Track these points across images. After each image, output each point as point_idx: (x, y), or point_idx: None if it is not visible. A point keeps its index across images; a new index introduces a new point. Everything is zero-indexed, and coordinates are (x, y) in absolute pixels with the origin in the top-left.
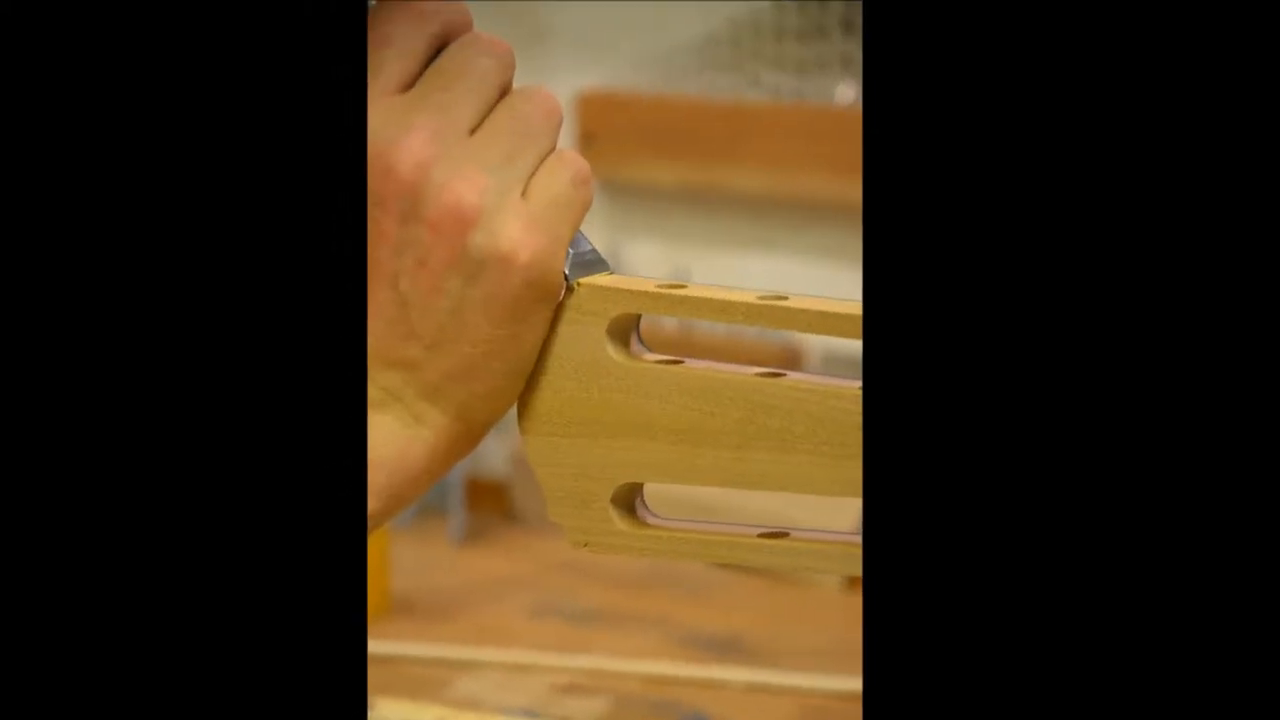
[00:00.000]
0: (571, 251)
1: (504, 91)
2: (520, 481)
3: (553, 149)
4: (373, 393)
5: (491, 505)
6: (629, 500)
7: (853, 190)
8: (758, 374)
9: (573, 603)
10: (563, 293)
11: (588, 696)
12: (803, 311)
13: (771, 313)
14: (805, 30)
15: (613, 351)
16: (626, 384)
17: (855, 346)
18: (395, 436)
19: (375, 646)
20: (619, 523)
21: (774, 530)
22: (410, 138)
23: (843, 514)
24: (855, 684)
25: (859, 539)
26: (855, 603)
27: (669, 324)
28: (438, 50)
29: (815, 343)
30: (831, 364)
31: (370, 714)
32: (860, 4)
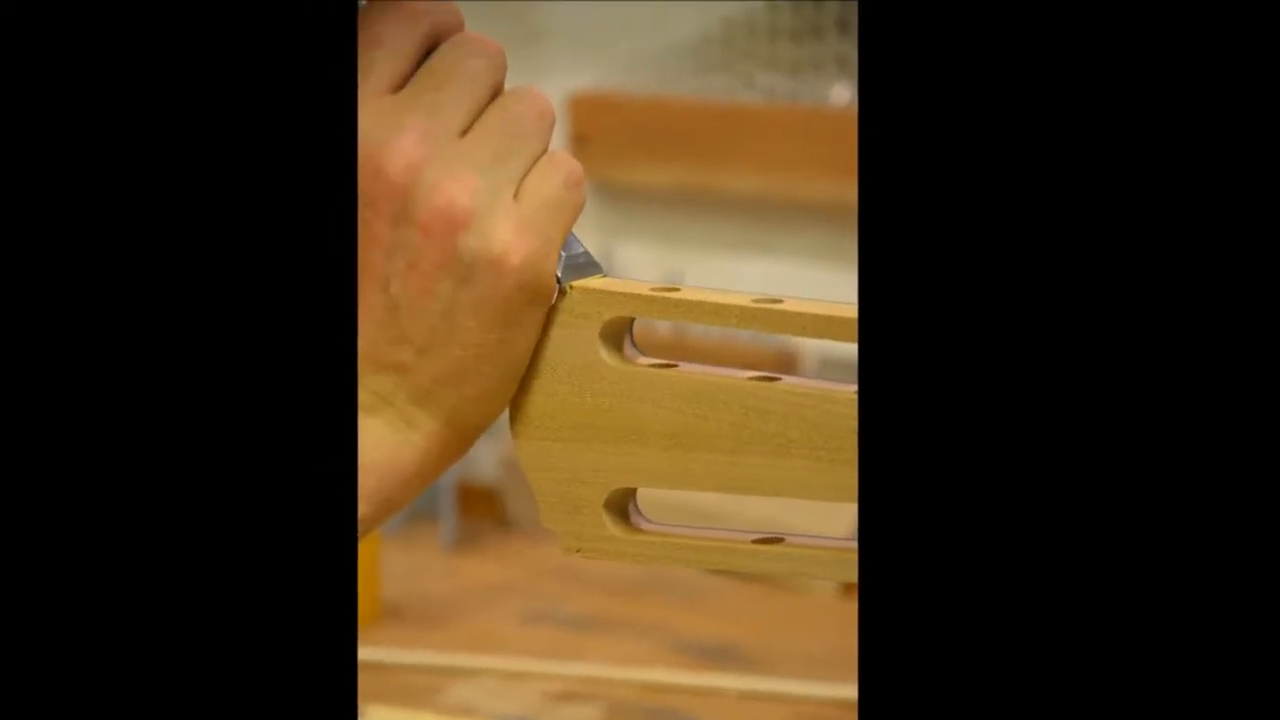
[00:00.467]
0: (564, 254)
1: (496, 92)
2: (512, 486)
3: (545, 150)
4: (363, 396)
5: (483, 510)
6: (622, 505)
7: (848, 192)
8: (752, 378)
9: (565, 609)
10: (555, 296)
11: (581, 704)
12: (798, 315)
13: (766, 316)
14: (800, 30)
15: (605, 355)
16: (619, 388)
17: (851, 350)
18: (386, 441)
19: (365, 654)
20: (612, 528)
21: (768, 536)
22: (401, 139)
23: (838, 519)
24: (850, 691)
25: (854, 544)
26: (850, 609)
27: (662, 327)
28: (429, 51)
29: (810, 346)
30: (827, 368)
31: None
32: (855, 4)
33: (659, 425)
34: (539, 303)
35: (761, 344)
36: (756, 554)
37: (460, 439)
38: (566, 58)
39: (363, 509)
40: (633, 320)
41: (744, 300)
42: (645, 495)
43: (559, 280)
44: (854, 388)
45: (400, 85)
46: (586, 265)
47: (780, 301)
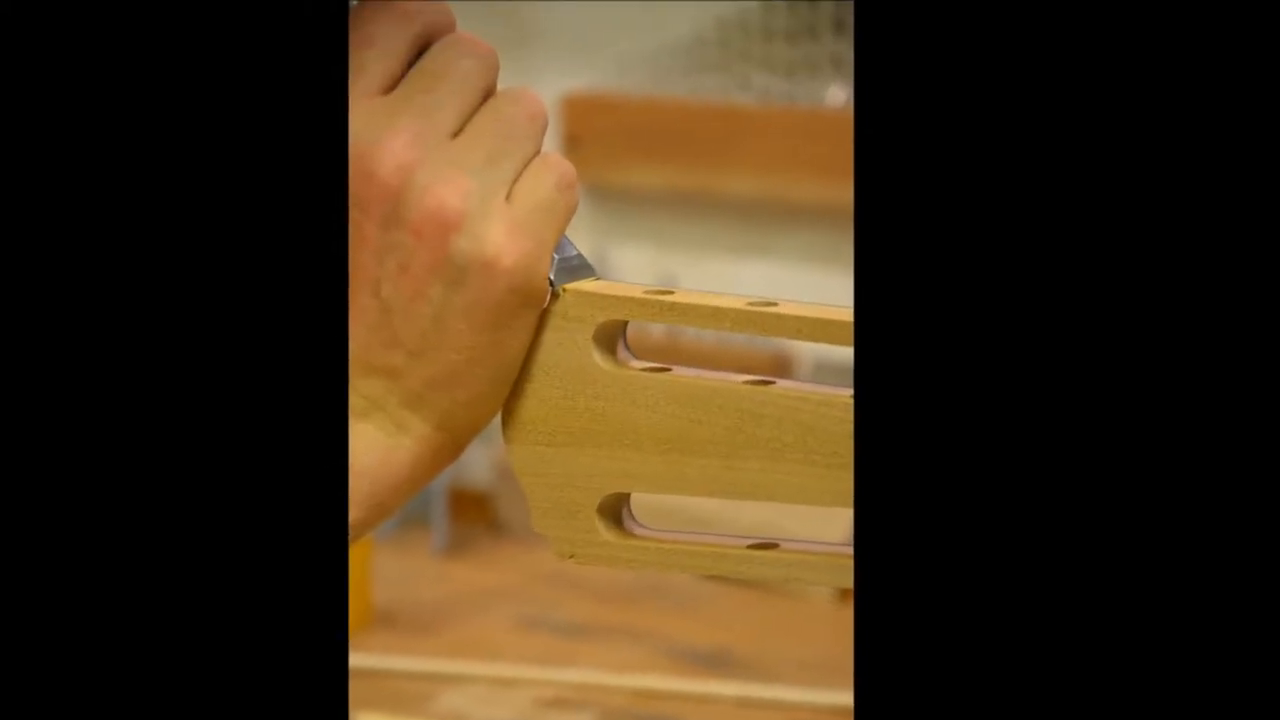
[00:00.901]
0: (556, 257)
1: (488, 93)
2: (505, 491)
3: (537, 152)
4: (354, 400)
5: (475, 516)
6: (615, 511)
7: (844, 194)
8: (747, 382)
9: (558, 615)
10: (547, 299)
11: (574, 711)
12: (793, 318)
13: (761, 319)
14: (795, 31)
15: (599, 359)
16: (613, 392)
17: (847, 354)
18: (377, 445)
19: (357, 660)
20: (605, 534)
21: (763, 541)
22: (392, 140)
23: (834, 525)
24: (846, 698)
25: (850, 550)
26: (846, 615)
27: (656, 331)
28: (420, 51)
29: (806, 350)
30: (822, 371)
31: None
32: (851, 3)
33: (653, 430)
34: (531, 306)
35: (757, 347)
36: (751, 559)
37: (452, 443)
38: (559, 58)
39: (354, 514)
40: (626, 323)
41: (739, 303)
42: (639, 500)
43: (552, 283)
44: (850, 392)
45: (391, 86)
46: (579, 268)
47: (775, 304)
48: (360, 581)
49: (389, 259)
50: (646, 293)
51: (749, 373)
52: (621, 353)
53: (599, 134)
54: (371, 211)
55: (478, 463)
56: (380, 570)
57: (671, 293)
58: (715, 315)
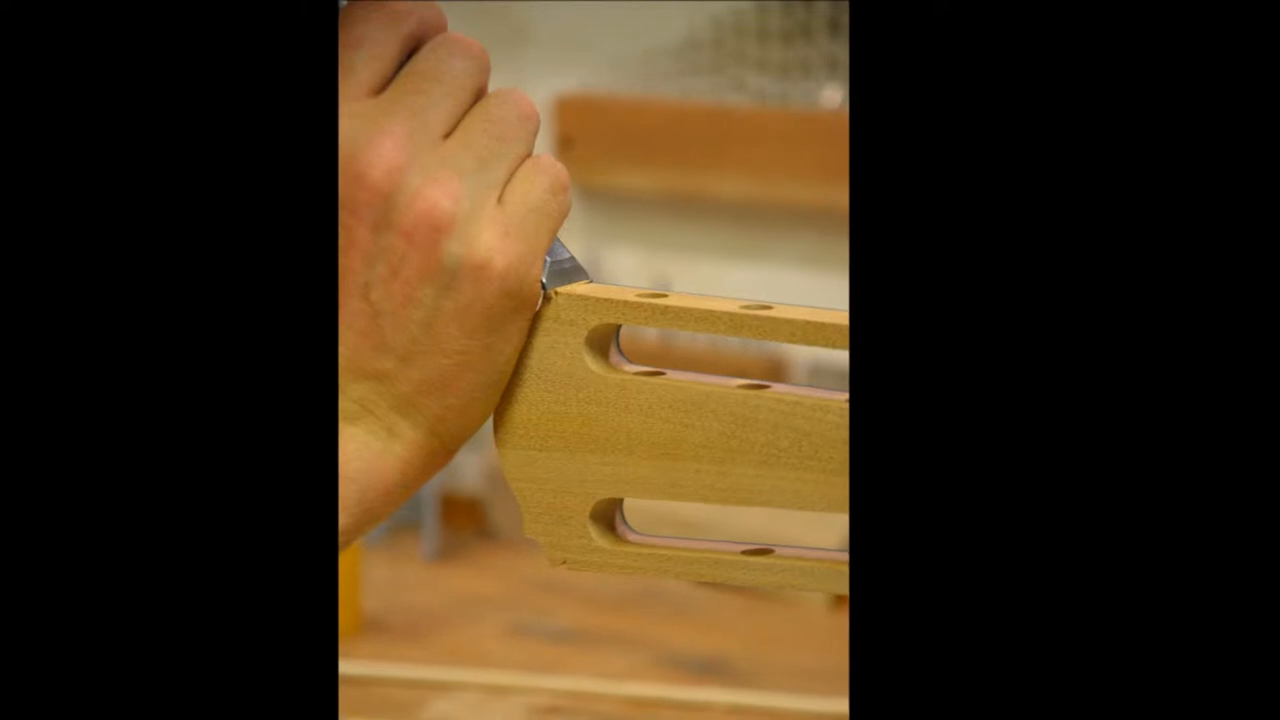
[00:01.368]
0: (548, 260)
1: (479, 94)
2: (496, 497)
3: (529, 154)
4: (344, 405)
5: (466, 521)
6: (608, 516)
7: (839, 196)
8: (741, 386)
9: (550, 622)
10: (539, 302)
11: (565, 719)
12: (787, 321)
13: (755, 323)
14: (790, 32)
15: (591, 363)
16: (605, 396)
17: (842, 357)
18: (367, 450)
19: (346, 667)
20: (598, 540)
21: (758, 547)
22: (382, 142)
23: (829, 530)
24: (841, 706)
25: (845, 556)
26: (841, 622)
27: (649, 334)
28: (411, 52)
29: (801, 354)
30: (817, 375)
31: None
32: (846, 4)
33: (646, 434)
34: (523, 309)
35: (751, 351)
36: (745, 565)
37: (443, 448)
38: (552, 59)
39: (343, 520)
40: (619, 327)
41: (732, 306)
42: (632, 506)
43: (543, 286)
44: (845, 396)
45: (381, 87)
46: (572, 271)
47: (770, 308)
48: (350, 588)
49: (379, 262)
50: (639, 296)
51: (743, 377)
52: (614, 356)
53: (591, 135)
54: (361, 214)
55: (469, 468)
56: (370, 576)
57: (665, 296)
58: (709, 319)
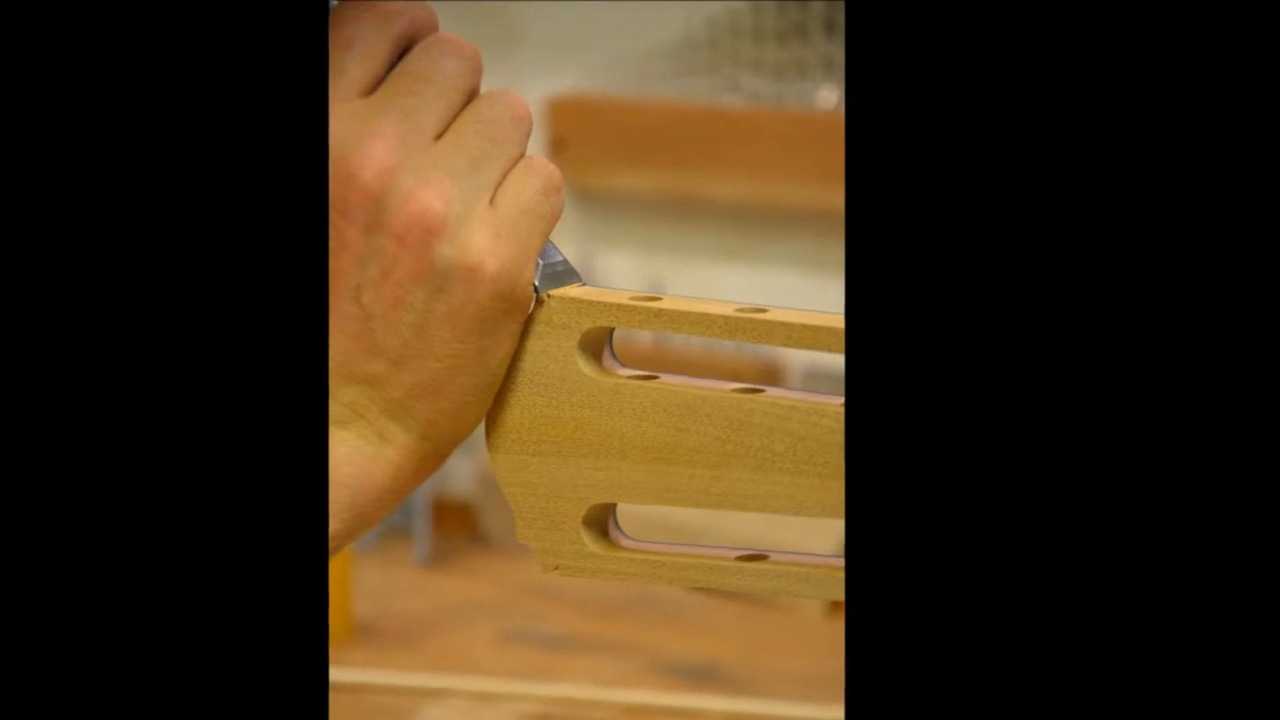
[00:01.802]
0: (541, 262)
1: (471, 95)
2: (488, 502)
3: (522, 155)
4: (335, 409)
5: (458, 526)
6: (601, 522)
7: (835, 198)
8: (736, 390)
9: (543, 628)
10: (532, 305)
11: None
12: (783, 325)
13: (750, 326)
14: (785, 32)
15: (584, 366)
16: (599, 400)
17: (838, 361)
18: (358, 455)
19: (337, 674)
20: (591, 545)
21: (753, 553)
22: (373, 144)
23: (824, 536)
24: (837, 713)
25: (841, 562)
26: (837, 629)
27: (643, 338)
28: (402, 52)
29: (796, 357)
30: (813, 379)
31: None
32: (842, 4)
33: (640, 439)
34: (515, 312)
35: (746, 355)
36: (740, 571)
37: (435, 453)
38: (544, 59)
39: (334, 525)
40: (612, 330)
41: (727, 310)
42: (625, 511)
43: (536, 289)
44: (841, 400)
45: (373, 88)
46: (565, 273)
47: (765, 311)
48: (340, 593)
49: (370, 265)
50: (633, 299)
51: (738, 381)
52: (607, 360)
53: (585, 137)
54: (352, 216)
55: (461, 473)
56: (361, 582)
57: (659, 299)
58: (703, 322)
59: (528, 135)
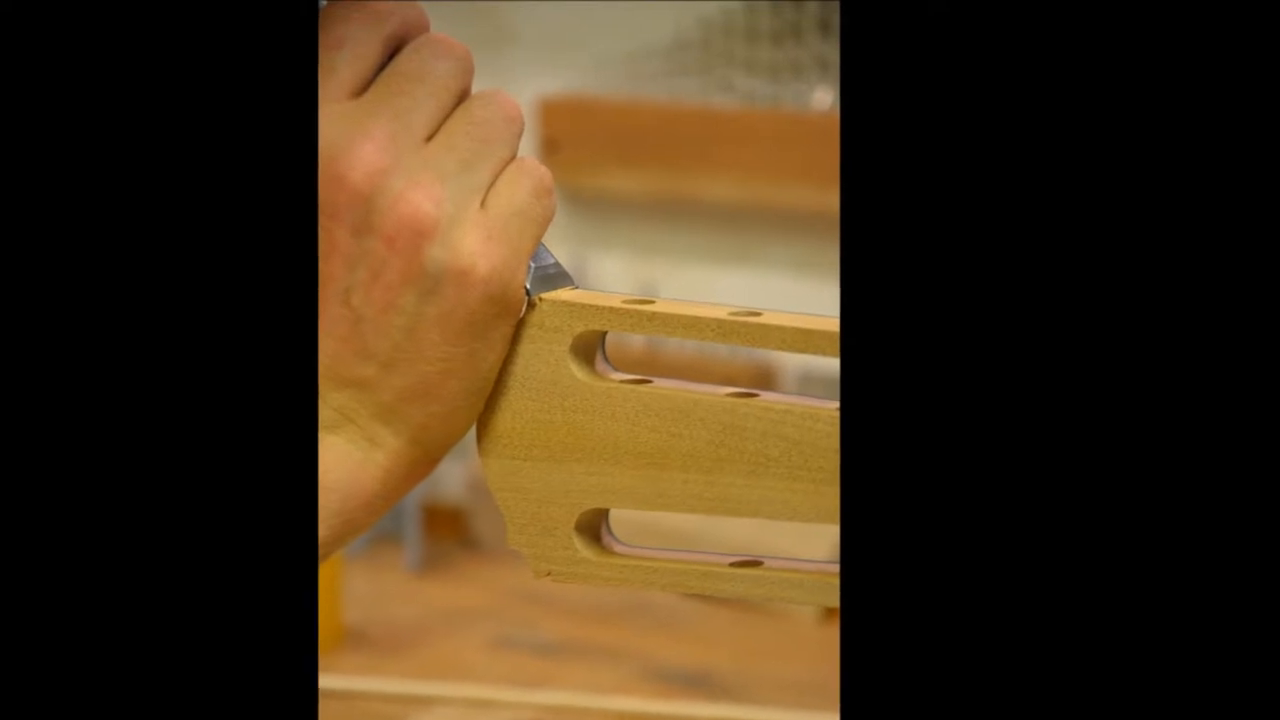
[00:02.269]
0: (533, 265)
1: (462, 96)
2: (479, 507)
3: (513, 157)
4: (324, 413)
5: (449, 532)
6: (594, 527)
7: (830, 200)
8: (729, 394)
9: (535, 635)
10: (524, 308)
11: None
12: (777, 328)
13: (744, 329)
14: (779, 32)
15: (576, 370)
16: (591, 404)
17: (832, 365)
18: (348, 459)
19: (327, 681)
20: (583, 551)
21: (746, 559)
22: (363, 145)
23: (819, 541)
24: None
25: (836, 568)
26: (831, 635)
27: (636, 341)
28: (393, 53)
29: (790, 361)
30: (807, 383)
31: None
32: (837, 4)
33: (632, 444)
34: (507, 315)
35: (739, 359)
36: (734, 577)
37: (426, 457)
38: (536, 60)
39: (324, 530)
40: (605, 334)
41: (721, 313)
42: (618, 516)
43: (528, 292)
44: (835, 404)
45: (363, 89)
46: (557, 276)
47: (759, 314)
48: (330, 600)
49: (360, 267)
50: (626, 302)
51: (731, 385)
52: (600, 364)
53: (577, 138)
54: (342, 218)
55: (452, 477)
56: (351, 588)
57: (651, 302)
58: (696, 325)
59: (519, 136)
